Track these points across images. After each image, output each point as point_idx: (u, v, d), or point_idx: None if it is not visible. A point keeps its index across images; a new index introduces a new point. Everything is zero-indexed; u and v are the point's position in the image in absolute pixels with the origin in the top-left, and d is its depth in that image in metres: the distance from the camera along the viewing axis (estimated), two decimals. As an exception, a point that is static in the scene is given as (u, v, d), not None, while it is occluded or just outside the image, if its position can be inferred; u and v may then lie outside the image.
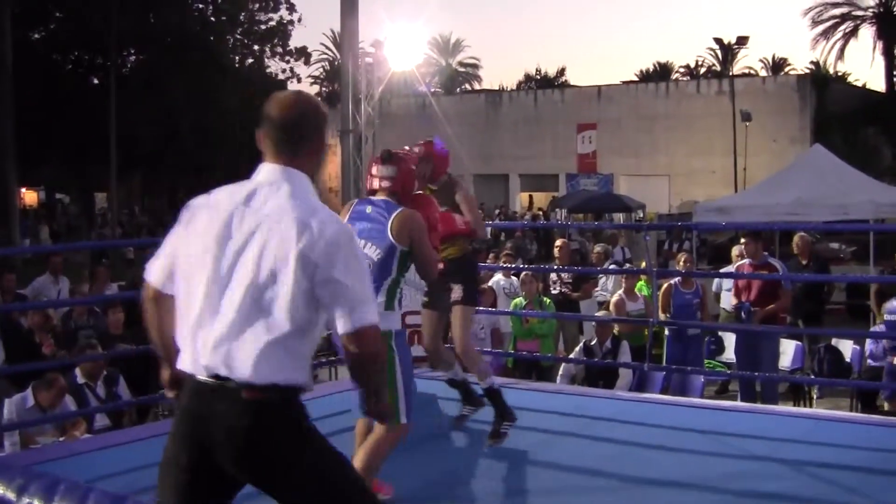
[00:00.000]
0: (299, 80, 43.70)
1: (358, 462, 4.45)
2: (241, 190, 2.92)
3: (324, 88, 77.47)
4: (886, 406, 8.91)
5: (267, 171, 2.95)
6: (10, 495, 1.09)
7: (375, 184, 4.81)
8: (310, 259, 2.72)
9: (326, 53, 74.18)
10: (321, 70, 76.21)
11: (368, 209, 4.75)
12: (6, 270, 11.45)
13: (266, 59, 42.97)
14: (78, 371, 7.85)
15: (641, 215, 33.44)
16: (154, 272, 3.02)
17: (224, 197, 2.93)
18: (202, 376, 2.77)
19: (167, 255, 2.99)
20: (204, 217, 2.91)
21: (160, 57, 38.00)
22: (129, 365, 8.42)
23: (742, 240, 10.33)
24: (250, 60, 43.11)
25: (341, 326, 2.74)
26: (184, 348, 2.85)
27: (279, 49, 42.21)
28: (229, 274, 2.78)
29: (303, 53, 43.13)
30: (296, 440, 2.80)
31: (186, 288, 2.86)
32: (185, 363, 2.83)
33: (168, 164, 40.11)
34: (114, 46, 36.09)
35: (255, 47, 42.53)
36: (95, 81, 40.08)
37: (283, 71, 43.17)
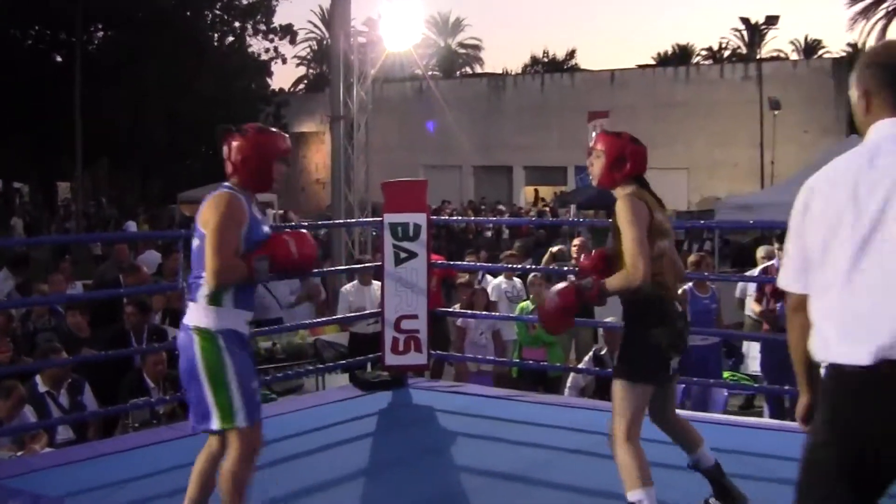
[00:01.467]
0: (284, 61, 43.87)
1: (221, 494, 4.39)
2: (858, 156, 2.84)
3: (311, 71, 77.65)
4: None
5: (884, 127, 2.86)
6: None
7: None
8: None
9: (314, 32, 74.36)
10: (308, 50, 76.38)
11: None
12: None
13: (247, 38, 42.93)
14: (38, 378, 7.82)
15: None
16: (791, 277, 2.97)
17: (840, 166, 2.86)
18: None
19: (797, 253, 2.93)
20: (821, 197, 2.85)
21: (130, 34, 37.93)
22: (96, 371, 8.39)
23: (775, 243, 10.30)
24: (230, 39, 43.07)
25: None
26: (843, 341, 2.75)
27: (262, 26, 42.17)
28: (871, 244, 2.72)
29: (288, 31, 43.08)
30: None
31: (827, 277, 2.82)
32: (851, 356, 2.71)
33: (138, 152, 40.08)
34: (79, 21, 36.00)
35: (236, 24, 42.49)
36: (58, 59, 39.94)
37: (267, 51, 43.14)
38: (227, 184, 4.59)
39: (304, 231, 4.78)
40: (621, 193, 4.80)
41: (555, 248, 12.87)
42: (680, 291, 9.61)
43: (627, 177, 4.88)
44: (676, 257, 5.00)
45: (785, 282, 2.97)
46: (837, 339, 2.74)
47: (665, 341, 4.69)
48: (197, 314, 4.42)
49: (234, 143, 4.59)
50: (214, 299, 4.40)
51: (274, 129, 4.73)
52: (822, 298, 2.80)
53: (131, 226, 31.35)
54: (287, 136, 4.79)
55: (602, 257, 5.06)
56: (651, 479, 4.57)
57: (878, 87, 2.86)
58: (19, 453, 6.96)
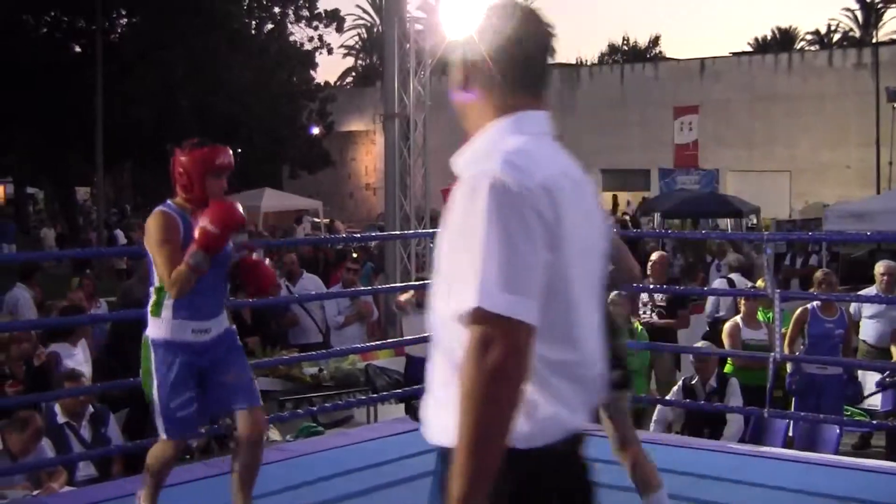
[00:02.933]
0: (330, 51, 43.83)
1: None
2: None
3: (359, 62, 78.16)
4: None
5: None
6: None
7: None
8: None
9: (364, 18, 74.91)
10: (356, 39, 76.88)
11: None
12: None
13: (288, 25, 43.21)
14: (57, 408, 7.92)
15: (755, 221, 33.15)
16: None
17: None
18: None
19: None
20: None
21: (156, 21, 38.23)
22: (121, 401, 8.48)
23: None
24: (269, 26, 43.39)
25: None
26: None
27: (304, 12, 42.46)
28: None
29: (334, 18, 43.32)
30: None
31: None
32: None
33: (165, 153, 40.38)
34: (99, 6, 36.34)
35: (276, 10, 42.79)
36: (77, 50, 40.39)
37: (310, 39, 43.36)
38: (168, 201, 5.29)
39: (219, 204, 5.17)
40: None
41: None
42: (800, 311, 9.53)
43: None
44: (616, 263, 5.06)
45: None
46: None
47: None
48: (148, 324, 5.22)
49: (173, 160, 5.24)
50: (154, 310, 5.18)
51: (214, 145, 5.30)
52: None
53: (119, 235, 31.96)
54: (228, 149, 5.38)
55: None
56: None
57: None
58: (35, 492, 7.03)
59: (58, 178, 42.63)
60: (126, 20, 42.15)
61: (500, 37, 2.56)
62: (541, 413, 2.36)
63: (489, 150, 2.43)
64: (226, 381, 5.35)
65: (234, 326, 5.61)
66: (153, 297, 5.21)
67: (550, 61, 2.73)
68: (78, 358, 9.50)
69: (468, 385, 2.18)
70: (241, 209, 5.24)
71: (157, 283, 5.17)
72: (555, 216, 2.32)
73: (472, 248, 2.21)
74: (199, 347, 5.20)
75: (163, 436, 5.28)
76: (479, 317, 2.19)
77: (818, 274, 10.43)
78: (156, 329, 5.22)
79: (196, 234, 5.02)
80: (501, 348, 2.16)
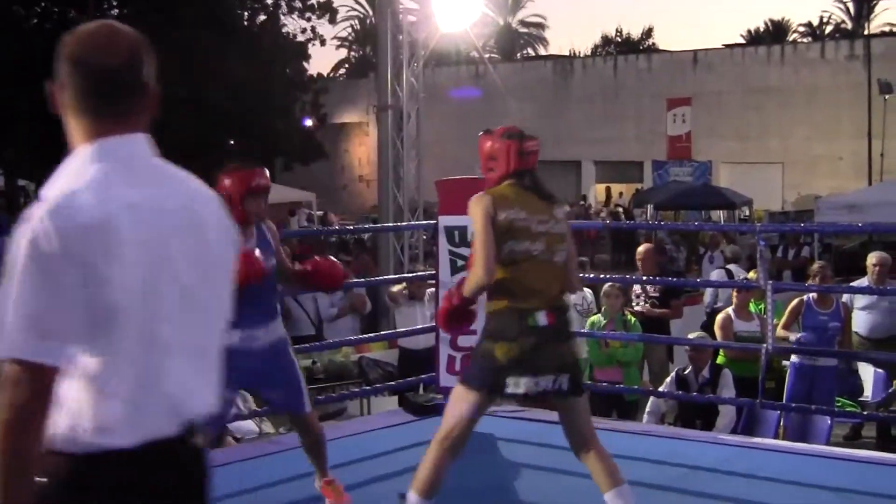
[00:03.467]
0: (323, 43, 43.66)
1: None
2: None
3: (352, 54, 78.05)
4: None
5: None
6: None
7: None
8: None
9: (356, 10, 74.63)
10: (350, 30, 76.76)
11: None
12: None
13: (281, 17, 43.14)
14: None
15: (748, 213, 33.22)
16: None
17: None
18: None
19: None
20: None
21: (148, 12, 38.24)
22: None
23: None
24: (262, 18, 43.34)
25: None
26: None
27: (297, 3, 42.37)
28: None
29: (327, 9, 43.18)
30: None
31: None
32: None
33: (159, 146, 40.26)
34: (92, -1, 36.38)
35: (268, 1, 42.75)
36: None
37: (303, 31, 43.19)
38: None
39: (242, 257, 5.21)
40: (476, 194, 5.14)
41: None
42: (796, 302, 9.55)
43: (502, 177, 5.16)
44: (556, 266, 5.11)
45: None
46: None
47: (503, 357, 4.93)
48: None
49: (218, 183, 5.47)
50: None
51: (253, 168, 5.73)
52: None
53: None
54: (265, 171, 5.77)
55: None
56: (433, 495, 5.02)
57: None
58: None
59: (50, 172, 42.48)
60: (118, 11, 42.14)
61: (64, 62, 2.57)
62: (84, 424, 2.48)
63: (54, 185, 2.53)
64: (273, 397, 6.01)
65: (286, 335, 5.87)
66: None
67: (131, 82, 2.64)
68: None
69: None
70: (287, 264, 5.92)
71: None
72: (103, 252, 2.39)
73: (8, 294, 2.35)
74: (247, 353, 5.42)
75: None
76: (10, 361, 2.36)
77: (814, 266, 10.41)
78: None
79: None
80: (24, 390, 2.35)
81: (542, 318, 4.94)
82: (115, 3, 41.45)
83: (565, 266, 5.12)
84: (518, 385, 4.94)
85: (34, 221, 2.37)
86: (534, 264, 4.97)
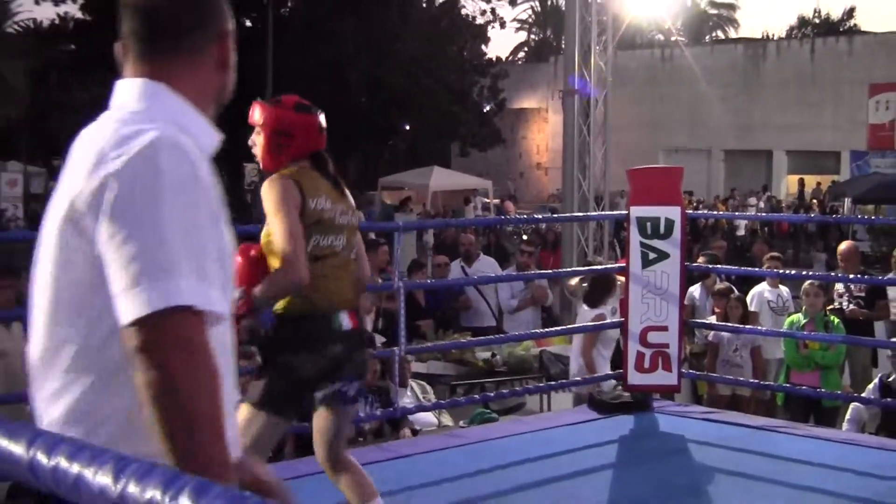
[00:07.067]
0: (503, 25, 43.92)
1: None
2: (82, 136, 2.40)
3: (532, 37, 78.05)
4: None
5: (117, 91, 2.43)
6: None
7: None
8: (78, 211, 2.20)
9: (536, -9, 74.55)
10: (529, 13, 76.77)
11: None
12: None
13: (460, -1, 43.42)
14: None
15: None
16: None
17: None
18: None
19: None
20: None
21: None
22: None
23: None
24: None
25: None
26: None
27: (478, -16, 42.62)
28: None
29: (508, -10, 43.43)
30: None
31: None
32: None
33: (334, 128, 40.90)
34: (272, -20, 37.11)
35: (448, -18, 43.08)
36: (248, 24, 41.34)
37: (483, 13, 43.53)
38: None
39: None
40: (272, 176, 4.53)
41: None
42: None
43: (296, 156, 4.61)
44: (352, 262, 4.76)
45: None
46: None
47: (306, 370, 4.51)
48: None
49: None
50: None
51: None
52: None
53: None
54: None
55: (252, 261, 4.59)
56: None
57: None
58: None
59: (229, 154, 43.60)
60: (296, -7, 42.93)
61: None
62: None
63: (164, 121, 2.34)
64: None
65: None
66: None
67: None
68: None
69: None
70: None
71: None
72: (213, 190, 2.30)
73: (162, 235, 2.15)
74: None
75: None
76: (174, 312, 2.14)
77: None
78: None
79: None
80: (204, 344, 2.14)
81: (346, 321, 4.60)
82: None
83: (356, 262, 4.78)
84: (326, 391, 4.59)
85: (160, 159, 2.15)
86: (336, 261, 4.60)
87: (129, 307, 2.03)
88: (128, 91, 2.35)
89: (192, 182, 2.16)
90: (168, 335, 2.02)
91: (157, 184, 2.11)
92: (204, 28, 2.42)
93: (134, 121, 2.23)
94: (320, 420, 4.69)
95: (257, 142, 4.62)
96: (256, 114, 4.62)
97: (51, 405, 2.21)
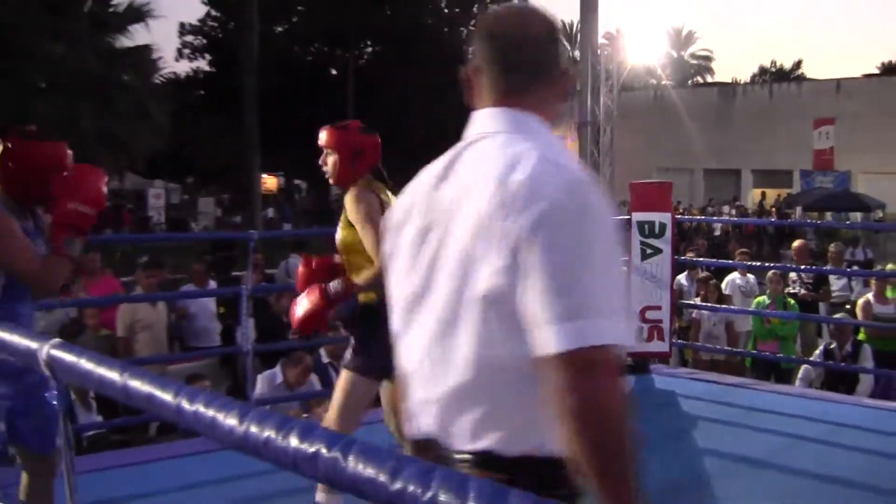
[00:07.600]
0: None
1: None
2: (440, 162, 2.05)
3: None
4: None
5: (477, 119, 2.06)
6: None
7: None
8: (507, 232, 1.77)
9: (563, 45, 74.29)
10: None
11: None
12: (256, 250, 12.15)
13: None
14: (323, 351, 8.13)
15: (881, 215, 31.95)
16: None
17: (415, 184, 2.09)
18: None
19: None
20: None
21: (394, 48, 38.97)
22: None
23: None
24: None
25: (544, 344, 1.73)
26: None
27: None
28: (418, 299, 2.03)
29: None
30: None
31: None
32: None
33: (395, 150, 41.02)
34: (352, 38, 37.25)
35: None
36: (333, 73, 41.53)
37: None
38: None
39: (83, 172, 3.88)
40: (353, 189, 4.29)
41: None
42: None
43: (365, 171, 4.37)
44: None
45: None
46: None
47: (385, 344, 4.22)
48: None
49: None
50: None
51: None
52: None
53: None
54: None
55: (330, 265, 4.50)
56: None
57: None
58: (305, 415, 7.24)
59: (318, 173, 43.85)
60: (370, 49, 43.08)
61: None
62: None
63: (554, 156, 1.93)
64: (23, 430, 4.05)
65: None
66: None
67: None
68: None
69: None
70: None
71: None
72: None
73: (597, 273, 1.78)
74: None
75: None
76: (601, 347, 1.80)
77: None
78: None
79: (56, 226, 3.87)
80: (617, 377, 1.82)
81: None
82: (368, 42, 42.38)
83: None
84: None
85: (588, 195, 1.78)
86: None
87: (560, 338, 1.67)
88: (501, 119, 1.97)
89: (609, 215, 1.79)
90: (597, 368, 1.67)
91: (586, 217, 1.73)
92: (559, 62, 2.02)
93: (541, 152, 1.83)
94: (387, 392, 4.42)
95: (329, 161, 4.39)
96: (326, 137, 4.40)
97: (458, 415, 1.87)
